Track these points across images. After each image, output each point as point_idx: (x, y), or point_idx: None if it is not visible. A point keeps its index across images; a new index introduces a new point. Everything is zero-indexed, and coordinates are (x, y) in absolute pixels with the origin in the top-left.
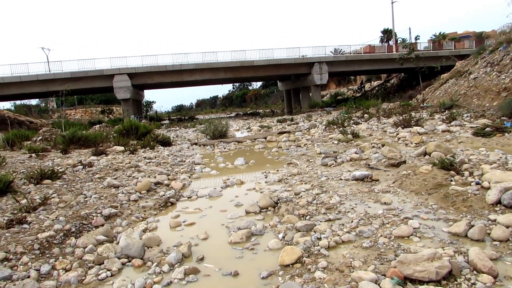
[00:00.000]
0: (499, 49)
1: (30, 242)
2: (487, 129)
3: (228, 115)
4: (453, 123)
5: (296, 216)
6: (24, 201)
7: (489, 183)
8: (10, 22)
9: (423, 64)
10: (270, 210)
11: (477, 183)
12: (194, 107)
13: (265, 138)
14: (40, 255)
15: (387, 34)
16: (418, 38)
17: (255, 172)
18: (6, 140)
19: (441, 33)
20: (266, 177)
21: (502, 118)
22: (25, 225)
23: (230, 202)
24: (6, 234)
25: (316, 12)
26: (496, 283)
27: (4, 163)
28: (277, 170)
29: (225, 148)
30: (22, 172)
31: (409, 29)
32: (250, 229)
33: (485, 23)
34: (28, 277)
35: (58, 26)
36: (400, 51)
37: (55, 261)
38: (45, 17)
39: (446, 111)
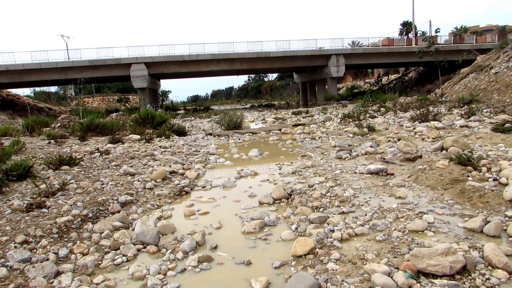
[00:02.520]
0: None
1: (49, 226)
2: (507, 125)
3: (243, 106)
4: (472, 118)
5: (309, 208)
6: (43, 186)
7: (507, 179)
8: (31, 8)
9: (442, 58)
10: (283, 202)
11: (495, 179)
12: (209, 97)
13: (280, 130)
14: (59, 239)
15: (407, 26)
16: (439, 31)
17: (269, 164)
18: (26, 126)
19: (463, 27)
20: (280, 169)
21: None
22: (44, 209)
23: (244, 192)
24: (26, 217)
25: (334, 3)
26: (511, 278)
27: (24, 149)
28: (291, 162)
29: (239, 139)
30: (41, 157)
31: (430, 22)
32: (263, 220)
33: (509, 17)
34: (47, 259)
35: (77, 13)
36: (419, 44)
37: (73, 245)
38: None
39: (465, 106)
